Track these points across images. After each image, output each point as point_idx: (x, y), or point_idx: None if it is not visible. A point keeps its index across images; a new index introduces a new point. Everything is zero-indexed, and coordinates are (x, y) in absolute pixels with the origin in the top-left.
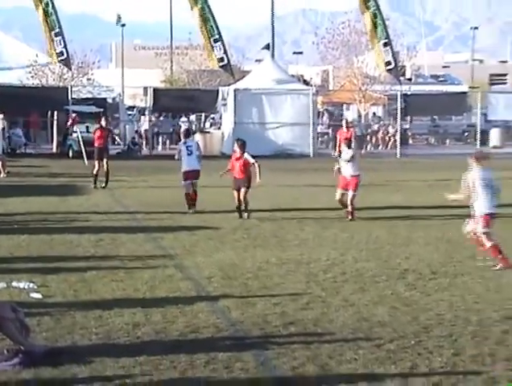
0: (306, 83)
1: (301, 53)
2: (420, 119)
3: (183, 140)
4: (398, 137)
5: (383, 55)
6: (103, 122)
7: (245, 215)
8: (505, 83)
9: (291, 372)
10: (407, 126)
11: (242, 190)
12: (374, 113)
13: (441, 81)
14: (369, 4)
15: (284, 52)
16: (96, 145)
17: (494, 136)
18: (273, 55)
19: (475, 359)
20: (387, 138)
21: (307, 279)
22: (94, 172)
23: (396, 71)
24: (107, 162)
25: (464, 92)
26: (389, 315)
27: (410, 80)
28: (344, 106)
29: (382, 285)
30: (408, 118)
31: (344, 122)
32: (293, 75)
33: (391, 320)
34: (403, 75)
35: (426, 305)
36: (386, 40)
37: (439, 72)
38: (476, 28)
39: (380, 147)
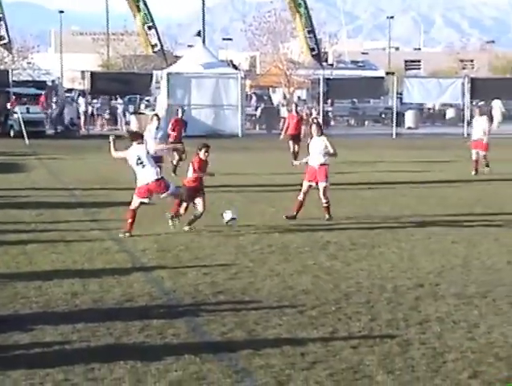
0: (235, 67)
1: (230, 39)
2: (341, 102)
3: (154, 125)
4: (320, 119)
5: (308, 42)
6: (180, 114)
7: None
8: (419, 68)
9: (220, 338)
10: (329, 108)
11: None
12: (299, 97)
13: (360, 67)
14: None
15: (214, 39)
16: (172, 138)
17: (409, 118)
18: (204, 42)
19: (390, 324)
20: (310, 120)
21: (236, 251)
22: (174, 162)
23: (319, 57)
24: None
25: (382, 77)
26: (312, 284)
27: (331, 65)
28: (271, 90)
29: (306, 256)
30: (330, 101)
31: (293, 106)
32: (223, 60)
33: (314, 288)
34: (326, 60)
35: (346, 274)
36: (310, 28)
37: (358, 58)
38: (392, 18)
39: (304, 128)
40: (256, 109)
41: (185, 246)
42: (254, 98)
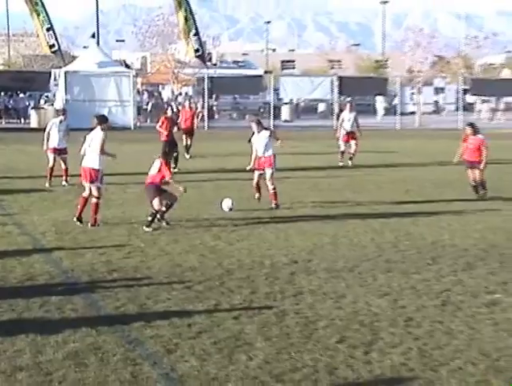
0: (127, 66)
1: (123, 41)
2: (224, 97)
3: (59, 118)
4: (205, 113)
5: (193, 44)
6: (169, 112)
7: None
8: (293, 68)
9: (115, 311)
10: (214, 103)
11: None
12: (186, 92)
13: (241, 66)
14: (181, 1)
15: (108, 40)
16: (164, 137)
17: (285, 112)
18: (98, 43)
19: (268, 296)
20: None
21: (128, 233)
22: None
23: (203, 57)
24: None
25: (260, 76)
26: (198, 261)
27: (215, 64)
28: (160, 86)
29: (192, 237)
30: (214, 96)
31: (187, 102)
32: (116, 60)
33: (200, 265)
34: (210, 60)
35: (228, 253)
36: (195, 31)
37: (239, 59)
38: (269, 22)
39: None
40: (147, 104)
41: (82, 229)
42: (145, 94)
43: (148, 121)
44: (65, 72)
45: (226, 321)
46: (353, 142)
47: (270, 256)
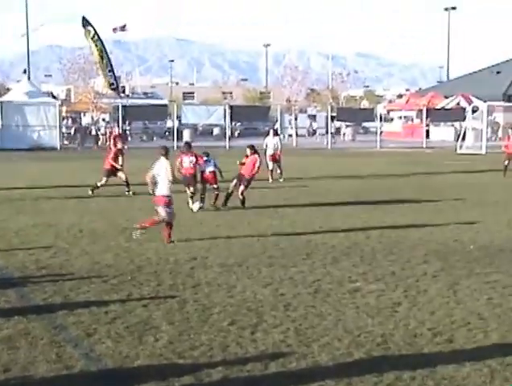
0: (54, 97)
1: (50, 76)
2: (136, 122)
3: None
4: (116, 134)
5: (108, 78)
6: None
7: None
8: (193, 98)
9: (43, 302)
10: (127, 127)
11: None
12: (104, 119)
13: (150, 97)
14: (97, 43)
15: (38, 75)
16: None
17: (186, 134)
18: (29, 77)
19: (172, 287)
20: (111, 136)
21: (55, 236)
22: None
23: (118, 89)
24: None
25: (165, 105)
26: (113, 260)
27: (128, 95)
28: (82, 114)
29: (109, 239)
30: (128, 122)
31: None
32: (45, 92)
33: (115, 263)
34: (123, 92)
35: (139, 252)
36: (110, 68)
37: (148, 90)
38: (172, 61)
39: (107, 143)
40: (70, 129)
41: (15, 233)
42: (70, 120)
43: (72, 142)
44: (1, 102)
45: (137, 308)
46: (272, 163)
47: (174, 254)
